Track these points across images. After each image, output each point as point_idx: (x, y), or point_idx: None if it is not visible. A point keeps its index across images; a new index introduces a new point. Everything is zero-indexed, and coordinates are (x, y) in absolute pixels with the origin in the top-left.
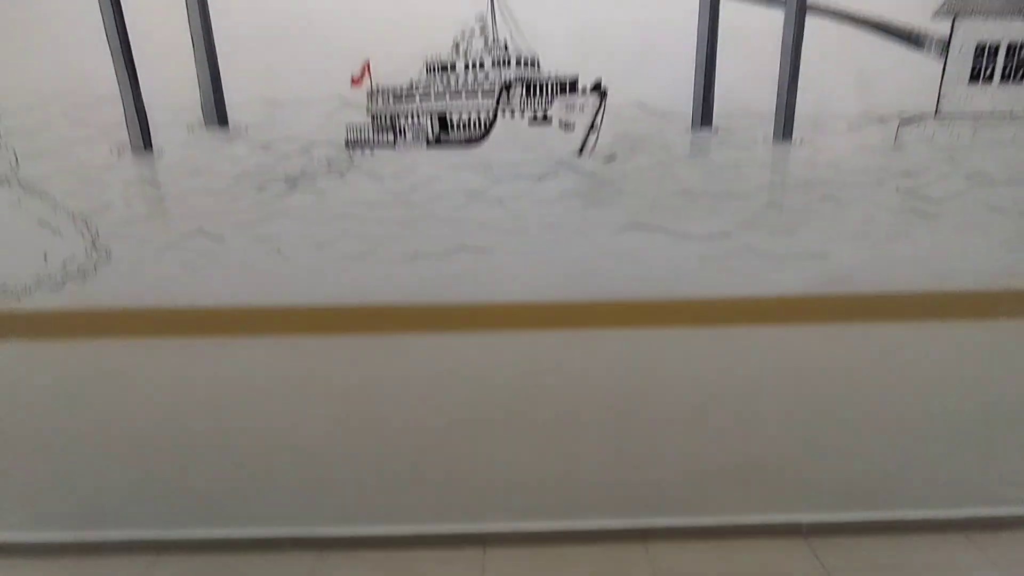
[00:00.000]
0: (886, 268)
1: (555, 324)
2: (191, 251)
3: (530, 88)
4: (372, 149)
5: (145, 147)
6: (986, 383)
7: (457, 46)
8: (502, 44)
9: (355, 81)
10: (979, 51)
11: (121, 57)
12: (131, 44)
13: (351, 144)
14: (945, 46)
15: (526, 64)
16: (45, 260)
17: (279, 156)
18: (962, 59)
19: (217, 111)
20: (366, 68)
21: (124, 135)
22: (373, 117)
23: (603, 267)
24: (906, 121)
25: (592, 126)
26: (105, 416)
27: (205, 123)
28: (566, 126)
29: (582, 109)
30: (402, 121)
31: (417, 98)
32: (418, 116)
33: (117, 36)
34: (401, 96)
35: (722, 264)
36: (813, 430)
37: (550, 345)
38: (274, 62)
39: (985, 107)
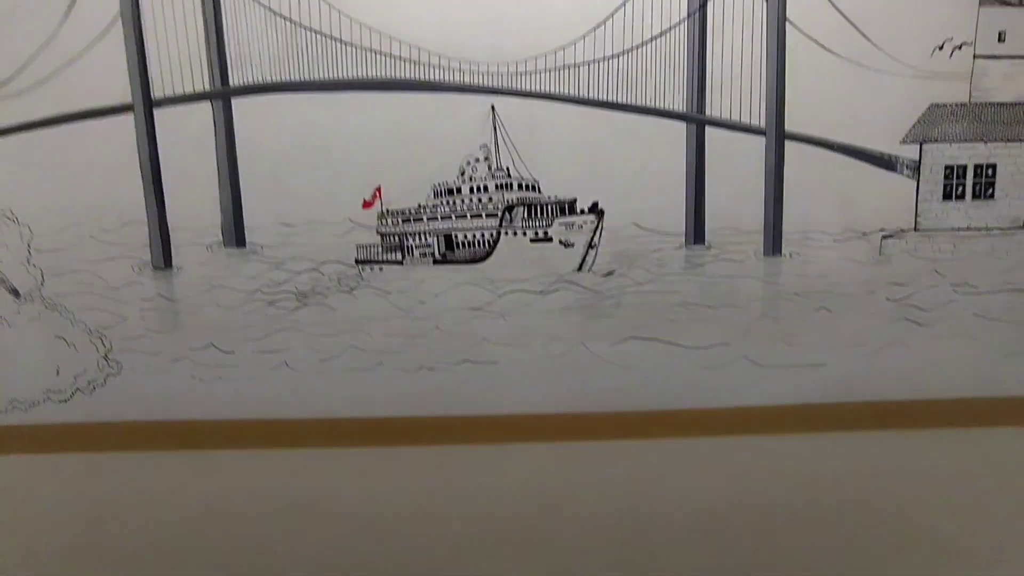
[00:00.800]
0: (883, 376)
1: (559, 436)
2: (201, 364)
3: (531, 209)
4: (381, 266)
5: (165, 265)
6: (991, 493)
7: (463, 172)
8: (505, 170)
9: (366, 204)
10: (948, 172)
11: (151, 184)
12: (161, 171)
13: (361, 262)
14: (916, 168)
15: (527, 188)
16: (57, 374)
17: (291, 273)
18: (933, 179)
19: (236, 232)
20: (377, 192)
21: (147, 255)
22: (382, 236)
23: (605, 378)
24: (888, 235)
25: (591, 244)
26: (108, 531)
27: (224, 243)
28: (566, 244)
29: (581, 228)
30: (410, 240)
31: (425, 219)
32: (425, 236)
33: (149, 164)
34: (409, 217)
35: (721, 374)
36: (818, 542)
37: (554, 458)
38: (291, 187)
39: (961, 223)
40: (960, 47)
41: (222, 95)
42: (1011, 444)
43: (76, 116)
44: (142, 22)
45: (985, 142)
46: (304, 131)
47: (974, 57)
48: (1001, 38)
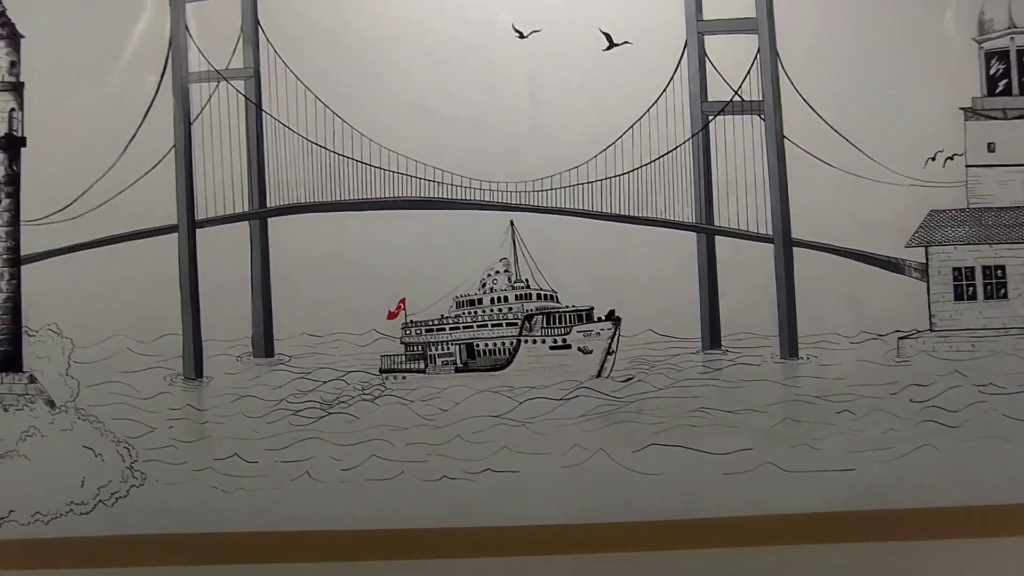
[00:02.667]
0: (914, 482)
1: (581, 548)
2: (224, 475)
3: (550, 318)
4: (404, 375)
5: (196, 376)
6: None
7: (484, 283)
8: (524, 281)
9: (391, 315)
10: (956, 273)
11: (189, 298)
12: (199, 287)
13: (385, 371)
14: (924, 270)
15: (546, 297)
16: (81, 485)
17: (316, 383)
18: (943, 280)
19: (265, 343)
20: (401, 304)
21: (179, 365)
22: (406, 346)
23: (627, 486)
24: (905, 336)
25: (609, 350)
26: None
27: (253, 354)
28: (585, 351)
29: (599, 335)
30: (433, 349)
31: (447, 329)
32: (448, 345)
33: (189, 279)
34: (432, 327)
35: (746, 480)
36: None
37: (577, 572)
38: (319, 300)
39: (976, 323)
40: (952, 157)
41: (260, 215)
42: None
43: (123, 237)
44: (192, 152)
45: (990, 244)
46: (333, 247)
47: (967, 167)
48: (991, 148)
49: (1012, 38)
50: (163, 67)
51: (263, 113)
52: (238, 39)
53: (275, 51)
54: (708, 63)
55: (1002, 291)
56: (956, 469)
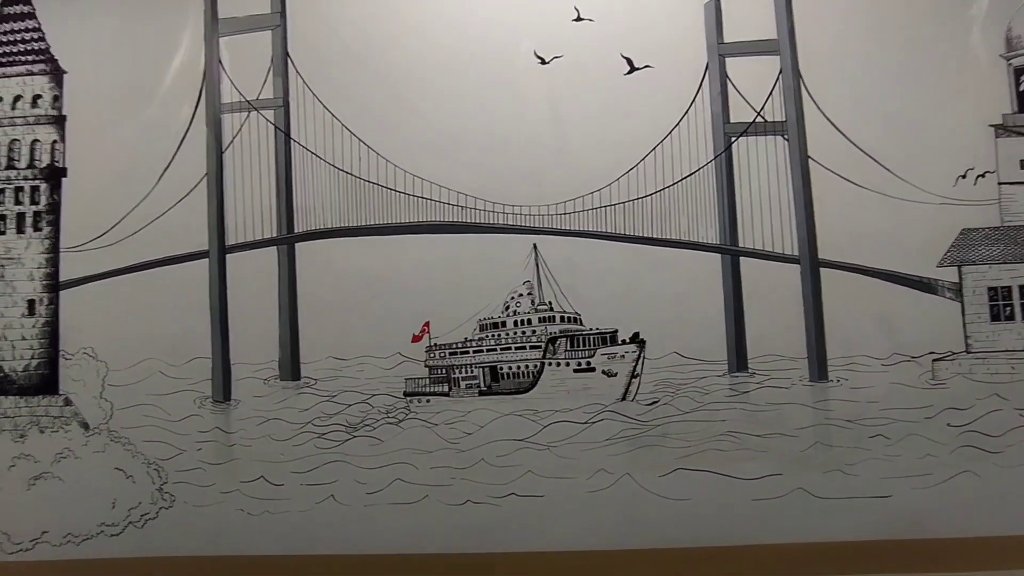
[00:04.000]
0: (954, 510)
1: (607, 574)
2: (250, 497)
3: (574, 341)
4: (428, 398)
5: (225, 399)
6: None
7: (507, 306)
8: (547, 304)
9: (415, 338)
10: (992, 293)
11: (218, 322)
12: (228, 311)
13: (409, 394)
14: (957, 290)
15: (569, 320)
16: (112, 506)
17: (341, 406)
18: (978, 301)
19: (292, 366)
20: (426, 327)
21: (208, 388)
22: (430, 369)
23: (653, 511)
24: (939, 358)
25: (634, 373)
26: None
27: (280, 377)
28: (609, 374)
29: (623, 358)
30: (457, 372)
31: (471, 352)
32: (471, 368)
33: (219, 303)
34: (456, 350)
35: (776, 507)
36: None
37: None
38: (345, 323)
39: (1015, 344)
40: (983, 175)
41: (288, 240)
42: None
43: (157, 263)
44: (224, 180)
45: None
46: (359, 271)
47: (999, 184)
48: (1023, 166)
49: None
50: (197, 99)
51: (292, 141)
52: (268, 70)
53: (304, 81)
54: (730, 85)
55: None
56: (998, 496)
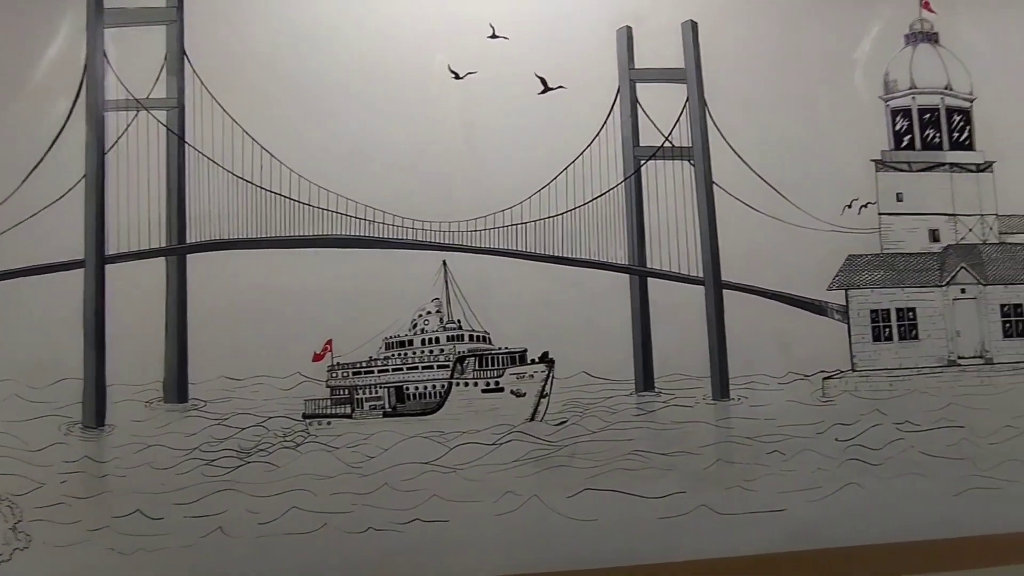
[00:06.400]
0: (845, 520)
1: None
2: (123, 534)
3: (483, 360)
4: (329, 420)
5: (97, 424)
6: None
7: (415, 324)
8: (456, 322)
9: (317, 357)
10: (874, 315)
11: (93, 339)
12: (105, 326)
13: (308, 416)
14: (844, 312)
15: (478, 339)
16: None
17: (233, 429)
18: (861, 322)
19: (179, 388)
20: (328, 345)
21: (78, 413)
22: (332, 390)
23: (561, 533)
24: (829, 376)
25: (543, 393)
26: None
27: (165, 399)
28: (518, 394)
29: (532, 377)
30: (360, 393)
31: (376, 371)
32: (376, 388)
33: (95, 319)
34: (360, 370)
35: (681, 524)
36: None
37: None
38: (240, 341)
39: (893, 363)
40: (866, 205)
41: (179, 251)
42: None
43: (22, 272)
44: (105, 183)
45: (903, 288)
46: (258, 286)
47: (879, 214)
48: (899, 198)
49: (913, 98)
50: (76, 93)
51: (186, 145)
52: (162, 68)
53: (201, 82)
54: (640, 109)
55: (914, 332)
56: (879, 506)
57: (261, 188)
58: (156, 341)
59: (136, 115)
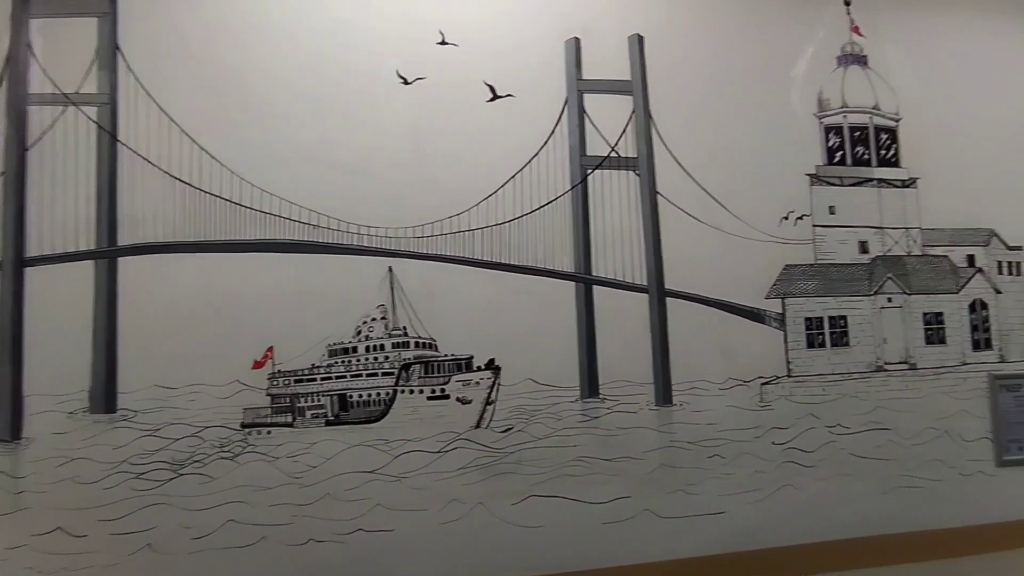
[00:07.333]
0: (779, 522)
1: None
2: (43, 553)
3: (428, 367)
4: (269, 430)
5: (13, 437)
6: None
7: (359, 331)
8: (402, 329)
9: (257, 364)
10: (808, 323)
11: (9, 346)
12: (23, 332)
13: (247, 425)
14: (781, 320)
15: (424, 346)
16: None
17: (166, 440)
18: (797, 330)
19: (106, 398)
20: (269, 353)
21: None
22: (273, 398)
23: (506, 540)
24: (767, 382)
25: (488, 400)
26: None
27: (91, 410)
28: (464, 401)
29: (478, 384)
30: (302, 401)
31: (318, 379)
32: (319, 396)
33: (11, 324)
34: (303, 377)
35: (625, 529)
36: None
37: None
38: (175, 349)
39: (826, 368)
40: (801, 217)
41: (109, 254)
42: None
43: None
44: (26, 181)
45: (834, 297)
46: (195, 292)
47: (813, 226)
48: (832, 211)
49: (845, 116)
50: None
51: (118, 143)
52: (93, 62)
53: (136, 78)
54: (587, 119)
55: (845, 339)
56: (814, 507)
57: (200, 190)
58: (82, 349)
59: (64, 111)
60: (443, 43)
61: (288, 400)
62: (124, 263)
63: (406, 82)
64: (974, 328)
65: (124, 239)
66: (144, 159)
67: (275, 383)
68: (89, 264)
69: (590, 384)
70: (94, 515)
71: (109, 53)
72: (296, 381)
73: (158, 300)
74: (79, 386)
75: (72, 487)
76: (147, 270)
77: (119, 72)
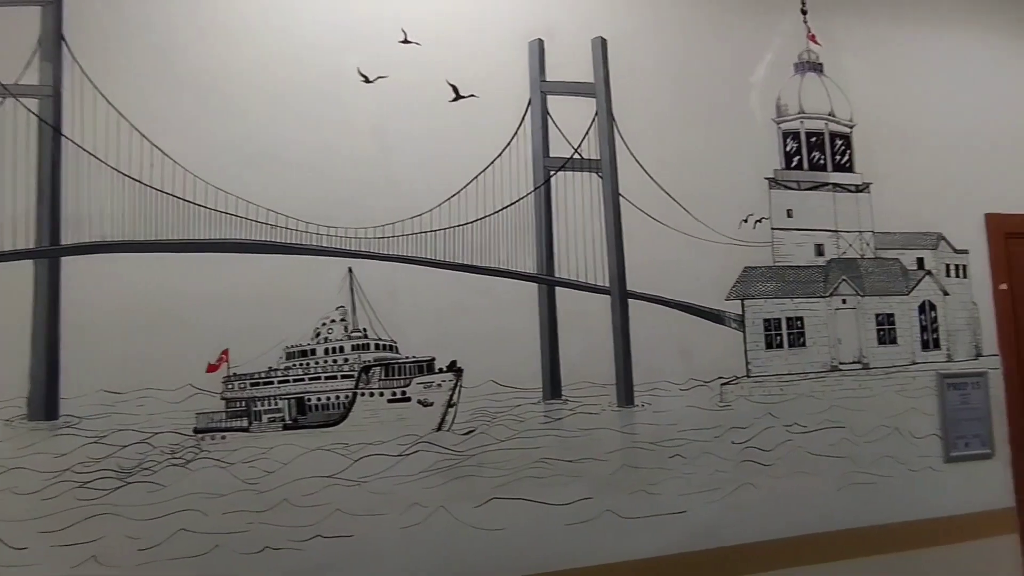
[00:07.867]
0: (739, 520)
1: None
2: None
3: (389, 369)
4: (224, 435)
5: None
6: None
7: (318, 333)
8: (362, 331)
9: (211, 368)
10: (767, 324)
11: None
12: None
13: (200, 431)
14: (741, 321)
15: (385, 348)
16: None
17: (113, 447)
18: (755, 331)
19: (47, 404)
20: (224, 355)
21: None
22: (227, 402)
23: (468, 544)
24: (726, 382)
25: (450, 402)
26: None
27: (29, 417)
28: (425, 404)
29: (440, 387)
30: (259, 405)
31: (275, 382)
32: (276, 400)
33: None
34: (259, 381)
35: (587, 530)
36: None
37: None
38: (123, 352)
39: (783, 369)
40: (760, 220)
41: (52, 254)
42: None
43: None
44: None
45: (792, 298)
46: (146, 293)
47: (772, 229)
48: (789, 214)
49: (802, 122)
50: None
51: (62, 138)
52: (34, 53)
53: (82, 69)
54: (550, 121)
55: (801, 340)
56: (772, 504)
57: (150, 188)
58: (19, 353)
59: (2, 103)
60: (405, 41)
61: (244, 404)
62: (68, 263)
63: (367, 80)
64: (923, 328)
65: (68, 238)
66: (91, 154)
67: (230, 387)
68: (28, 264)
69: (552, 385)
70: (34, 526)
71: (53, 42)
72: (252, 384)
73: (105, 301)
74: (16, 392)
75: (9, 498)
76: (93, 270)
77: (64, 63)
